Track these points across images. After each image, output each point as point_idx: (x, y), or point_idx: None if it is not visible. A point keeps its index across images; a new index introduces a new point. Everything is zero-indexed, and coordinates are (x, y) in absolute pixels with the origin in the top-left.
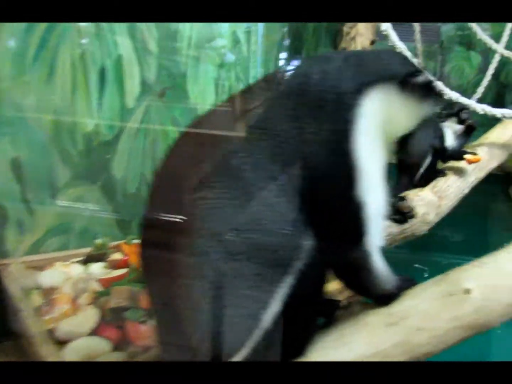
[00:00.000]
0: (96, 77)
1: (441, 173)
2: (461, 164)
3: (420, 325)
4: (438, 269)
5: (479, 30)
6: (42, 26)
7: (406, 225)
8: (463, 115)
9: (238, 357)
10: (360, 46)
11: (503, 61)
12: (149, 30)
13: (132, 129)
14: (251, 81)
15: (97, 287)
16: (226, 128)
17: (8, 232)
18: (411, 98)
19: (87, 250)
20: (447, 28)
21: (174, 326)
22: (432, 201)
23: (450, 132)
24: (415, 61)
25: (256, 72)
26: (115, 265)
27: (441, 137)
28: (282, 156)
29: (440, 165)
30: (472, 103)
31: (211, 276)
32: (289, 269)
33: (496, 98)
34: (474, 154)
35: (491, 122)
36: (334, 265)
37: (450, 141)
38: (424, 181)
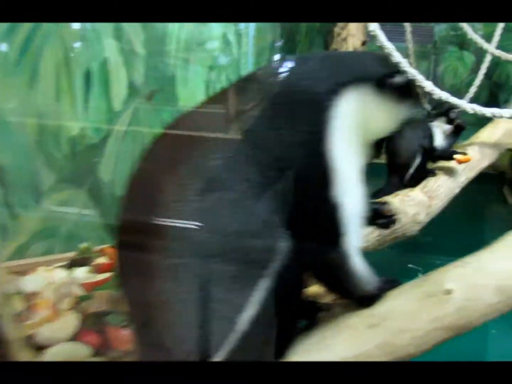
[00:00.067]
0: (81, 80)
1: (432, 173)
2: (451, 164)
3: (402, 326)
4: (432, 270)
5: (470, 30)
6: (25, 27)
7: (397, 226)
8: (452, 114)
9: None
10: (352, 47)
11: (496, 61)
12: (135, 32)
13: (119, 132)
14: None
15: (79, 291)
16: (203, 130)
17: None
18: (389, 100)
19: (72, 254)
20: (440, 28)
21: (149, 328)
22: (422, 201)
23: (439, 132)
24: (404, 61)
25: None
26: (100, 269)
27: (430, 137)
28: (258, 157)
29: (431, 165)
30: (462, 102)
31: (185, 279)
32: (265, 272)
33: (490, 97)
34: (464, 154)
35: (483, 121)
36: (312, 267)
37: (439, 140)
38: (414, 181)
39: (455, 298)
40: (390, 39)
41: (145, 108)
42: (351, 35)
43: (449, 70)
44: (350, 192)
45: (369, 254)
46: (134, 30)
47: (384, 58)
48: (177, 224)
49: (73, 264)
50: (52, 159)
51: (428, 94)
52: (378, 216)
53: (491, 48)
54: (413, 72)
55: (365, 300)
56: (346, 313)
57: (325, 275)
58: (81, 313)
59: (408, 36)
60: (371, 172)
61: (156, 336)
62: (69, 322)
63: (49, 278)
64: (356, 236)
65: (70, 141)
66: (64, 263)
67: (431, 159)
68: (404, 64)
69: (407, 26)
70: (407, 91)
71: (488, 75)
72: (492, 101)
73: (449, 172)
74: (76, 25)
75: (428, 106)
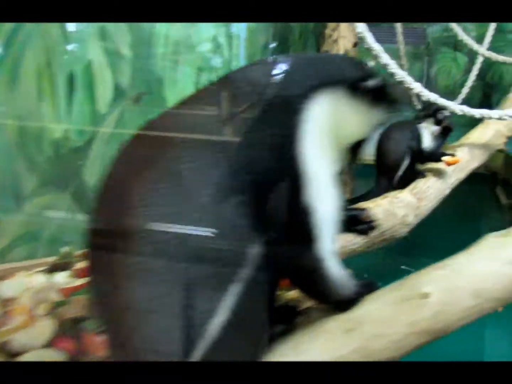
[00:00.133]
0: (64, 83)
1: (421, 174)
2: (440, 165)
3: (378, 331)
4: None
5: (461, 31)
6: (6, 27)
7: (384, 227)
8: (440, 116)
9: None
10: (343, 48)
11: (489, 62)
12: (121, 34)
13: (105, 135)
14: None
15: (57, 297)
16: (175, 132)
17: None
18: (362, 104)
19: (53, 259)
20: (434, 30)
21: (117, 330)
22: (411, 202)
23: (427, 133)
24: (392, 63)
25: None
26: (80, 274)
27: (418, 139)
28: (229, 160)
29: (421, 166)
30: (450, 104)
31: (152, 284)
32: (235, 277)
33: (483, 98)
34: (453, 155)
35: (476, 122)
36: (286, 271)
37: (427, 142)
38: (403, 183)
39: (432, 302)
40: (383, 40)
41: (132, 111)
42: (342, 37)
43: (442, 71)
44: (322, 196)
45: (361, 256)
46: (120, 32)
47: (359, 62)
48: (145, 228)
49: (53, 268)
50: (34, 162)
51: (417, 96)
52: (357, 222)
53: (481, 49)
54: (401, 74)
55: (341, 304)
56: (323, 318)
57: (300, 279)
58: (57, 319)
59: (400, 37)
60: (362, 173)
61: (124, 338)
62: (45, 328)
63: (27, 283)
64: (330, 240)
65: (53, 144)
66: (45, 267)
67: (419, 161)
68: (392, 66)
69: (398, 27)
70: (381, 95)
71: (481, 76)
72: (486, 102)
73: (438, 173)
74: (59, 26)
75: (418, 108)
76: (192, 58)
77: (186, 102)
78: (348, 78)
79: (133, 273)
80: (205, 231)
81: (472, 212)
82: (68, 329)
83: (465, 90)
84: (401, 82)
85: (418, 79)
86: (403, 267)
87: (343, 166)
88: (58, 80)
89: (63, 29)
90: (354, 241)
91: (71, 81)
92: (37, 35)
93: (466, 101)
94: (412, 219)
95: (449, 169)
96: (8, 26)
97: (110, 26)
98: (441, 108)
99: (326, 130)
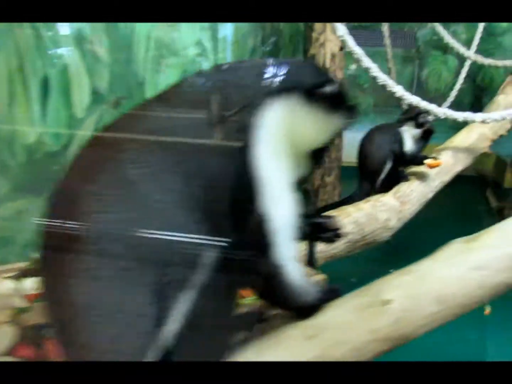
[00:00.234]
0: (37, 88)
1: (405, 178)
2: (423, 168)
3: (340, 338)
4: None
5: (447, 35)
6: None
7: (366, 231)
8: (421, 119)
9: None
10: (329, 52)
11: (480, 65)
12: (98, 38)
13: (82, 139)
14: None
15: (21, 303)
16: (132, 135)
17: None
18: (319, 110)
19: (24, 264)
20: (424, 33)
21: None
22: (394, 206)
23: (409, 136)
24: (374, 66)
25: None
26: None
27: (400, 142)
28: (182, 166)
29: (405, 170)
30: (433, 107)
31: (102, 291)
32: (188, 284)
33: (474, 101)
34: (435, 158)
35: (463, 125)
36: (245, 278)
37: (409, 145)
38: (386, 187)
39: (394, 309)
40: (374, 44)
41: (112, 115)
42: (329, 40)
43: (433, 74)
44: (278, 203)
45: (348, 259)
46: (96, 36)
47: (317, 67)
48: (96, 233)
49: (23, 274)
50: (6, 167)
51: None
52: (323, 230)
53: (468, 52)
54: (383, 78)
55: (303, 311)
56: (285, 324)
57: (259, 286)
58: (18, 326)
59: (387, 40)
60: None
61: (73, 338)
62: (5, 335)
63: None
64: (289, 246)
65: (26, 148)
66: (14, 273)
67: (401, 164)
68: (374, 69)
69: (385, 30)
70: (338, 101)
71: (471, 79)
72: (476, 104)
73: (421, 177)
74: (33, 30)
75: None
76: (176, 61)
77: (145, 105)
78: (304, 84)
79: (83, 276)
80: (158, 236)
81: (461, 215)
82: (29, 336)
83: (453, 93)
84: (383, 86)
85: (409, 82)
86: (391, 271)
87: (304, 172)
88: (31, 84)
89: (37, 32)
90: (333, 245)
91: (45, 85)
92: (8, 38)
93: (457, 104)
94: (395, 223)
95: (432, 172)
96: None
97: (87, 29)
98: (423, 112)
99: (281, 136)
